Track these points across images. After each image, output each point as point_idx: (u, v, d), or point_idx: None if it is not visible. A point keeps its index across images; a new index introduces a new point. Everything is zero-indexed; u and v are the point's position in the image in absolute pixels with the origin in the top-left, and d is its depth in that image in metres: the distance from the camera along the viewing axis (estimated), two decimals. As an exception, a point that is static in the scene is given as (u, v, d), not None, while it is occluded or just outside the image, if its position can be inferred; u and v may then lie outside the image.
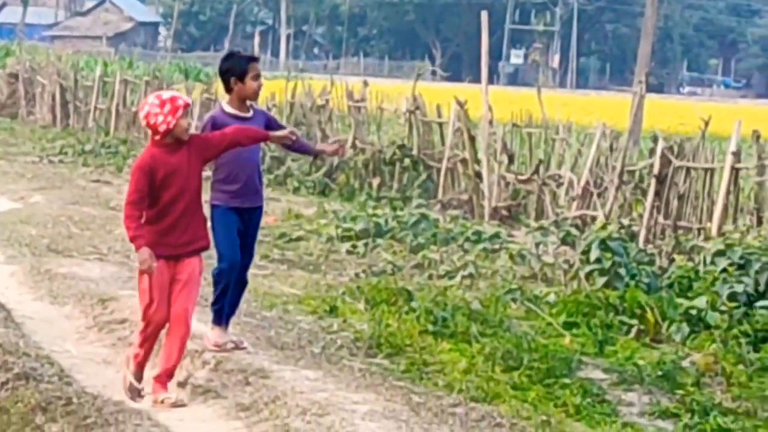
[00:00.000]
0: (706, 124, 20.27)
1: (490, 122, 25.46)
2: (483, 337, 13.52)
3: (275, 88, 35.68)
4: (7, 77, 50.25)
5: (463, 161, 25.18)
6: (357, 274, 17.58)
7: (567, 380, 12.23)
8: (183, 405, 8.98)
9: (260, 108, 10.74)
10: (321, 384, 10.23)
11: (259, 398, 10.09)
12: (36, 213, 23.34)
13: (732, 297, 15.13)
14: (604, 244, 17.06)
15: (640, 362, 13.40)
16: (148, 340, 8.81)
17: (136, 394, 8.87)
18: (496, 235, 21.53)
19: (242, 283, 10.52)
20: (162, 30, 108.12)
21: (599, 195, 22.07)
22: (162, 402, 8.91)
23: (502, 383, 11.90)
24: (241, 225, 9.89)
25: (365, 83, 32.04)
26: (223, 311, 10.23)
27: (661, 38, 75.42)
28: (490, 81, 30.17)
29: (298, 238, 21.71)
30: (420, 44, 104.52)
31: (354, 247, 20.34)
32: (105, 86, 42.97)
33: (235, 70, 9.63)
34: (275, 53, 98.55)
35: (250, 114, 9.69)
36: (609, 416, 11.57)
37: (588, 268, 16.86)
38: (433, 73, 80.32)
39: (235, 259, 9.95)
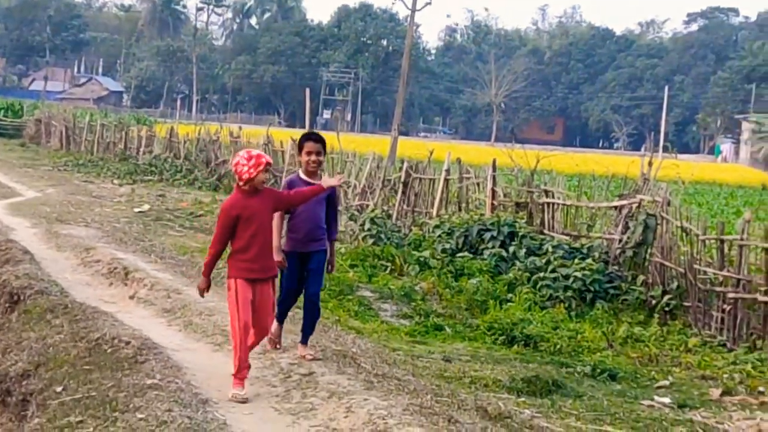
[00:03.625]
0: (431, 153, 21.58)
1: (311, 151, 27.51)
2: (303, 273, 14.60)
3: (189, 129, 37.77)
4: (35, 121, 53.41)
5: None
6: (234, 236, 18.49)
7: (350, 296, 13.36)
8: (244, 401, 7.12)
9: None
10: (211, 297, 10.01)
11: (175, 305, 10.82)
12: (49, 199, 24.03)
13: (443, 251, 16.30)
14: (373, 220, 18.38)
15: (392, 287, 14.49)
16: (242, 343, 7.20)
17: (242, 398, 7.12)
18: (310, 216, 23.26)
19: (315, 309, 8.25)
20: (125, 96, 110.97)
21: (371, 193, 23.06)
22: (233, 396, 7.21)
23: (313, 299, 13.14)
24: (304, 264, 7.96)
25: (240, 128, 34.30)
26: (282, 322, 8.32)
27: (408, 104, 78.66)
28: (311, 128, 32.80)
29: (200, 215, 22.35)
30: (272, 106, 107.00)
31: (232, 219, 22.37)
32: (91, 128, 44.30)
33: (299, 145, 7.87)
34: (190, 110, 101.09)
35: (317, 180, 7.76)
36: (373, 317, 12.82)
37: (363, 234, 18.03)
38: (279, 123, 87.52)
39: (290, 288, 8.08)
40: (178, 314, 10.53)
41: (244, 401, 7.00)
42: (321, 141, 7.67)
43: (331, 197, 7.63)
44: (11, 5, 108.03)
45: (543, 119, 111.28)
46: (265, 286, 7.17)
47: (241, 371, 7.07)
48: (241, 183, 7.02)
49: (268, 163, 7.06)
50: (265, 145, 29.12)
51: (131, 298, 11.62)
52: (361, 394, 7.33)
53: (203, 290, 7.42)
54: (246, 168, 6.92)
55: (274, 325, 8.19)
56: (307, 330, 8.09)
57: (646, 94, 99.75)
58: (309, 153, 7.52)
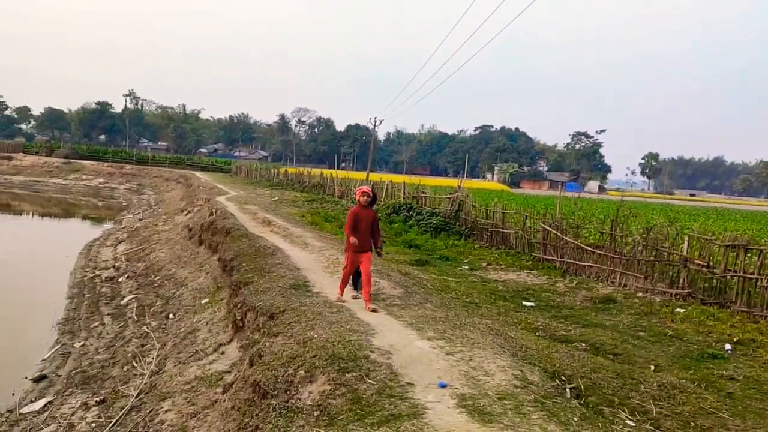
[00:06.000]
0: (380, 178, 24.74)
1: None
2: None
3: (293, 170, 48.63)
4: (235, 167, 59.65)
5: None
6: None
7: None
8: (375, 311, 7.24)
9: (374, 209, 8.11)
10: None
11: (287, 234, 13.32)
12: (239, 195, 27.26)
13: (387, 213, 19.41)
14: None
15: None
16: (344, 282, 7.72)
17: (340, 301, 7.61)
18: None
19: (369, 274, 7.66)
20: (269, 158, 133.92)
21: None
22: (337, 298, 7.71)
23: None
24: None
25: (309, 170, 42.43)
26: (346, 284, 8.04)
27: (373, 162, 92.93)
28: (338, 168, 37.92)
29: (297, 201, 25.58)
30: (323, 161, 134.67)
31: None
32: (257, 168, 53.04)
33: (372, 193, 7.78)
34: (293, 163, 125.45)
35: (373, 209, 7.79)
36: None
37: None
38: (325, 167, 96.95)
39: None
40: (287, 237, 13.13)
41: (342, 301, 7.50)
42: (374, 193, 8.03)
43: (375, 224, 7.66)
44: (224, 126, 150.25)
45: (423, 166, 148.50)
46: (365, 254, 7.47)
47: (342, 289, 7.75)
48: (358, 202, 7.57)
49: (362, 192, 7.59)
50: (321, 176, 34.91)
51: (271, 231, 14.33)
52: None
53: (354, 242, 7.49)
54: (357, 195, 7.64)
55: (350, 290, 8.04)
56: (356, 283, 8.11)
57: (460, 157, 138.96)
58: (361, 194, 7.65)
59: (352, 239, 7.24)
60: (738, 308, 9.59)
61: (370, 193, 7.58)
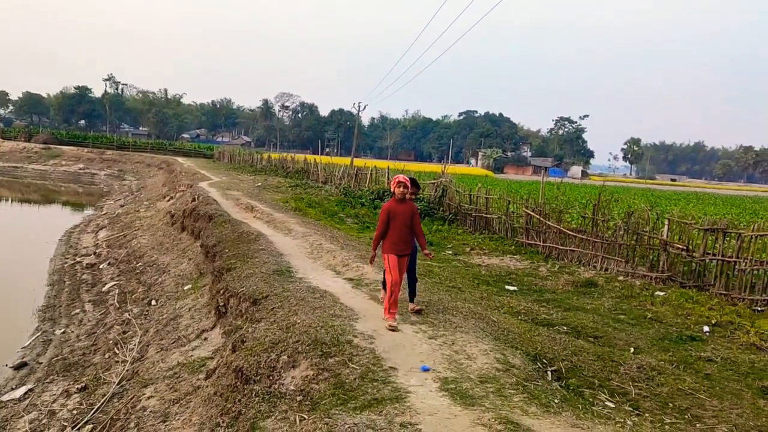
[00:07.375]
0: (364, 164, 26.27)
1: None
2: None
3: (276, 155, 46.89)
4: (218, 152, 59.03)
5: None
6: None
7: (335, 217, 15.07)
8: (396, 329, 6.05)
9: (413, 201, 7.04)
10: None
11: (270, 219, 13.40)
12: (222, 181, 27.09)
13: (370, 199, 19.59)
14: (344, 188, 21.18)
15: (350, 212, 16.53)
16: (393, 292, 6.21)
17: (393, 327, 6.09)
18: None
19: (414, 278, 7.05)
20: (252, 143, 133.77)
21: (342, 179, 26.73)
22: (388, 326, 6.12)
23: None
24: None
25: (293, 155, 44.05)
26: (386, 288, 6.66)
27: (357, 148, 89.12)
28: (321, 153, 37.46)
29: (280, 187, 24.92)
30: (306, 147, 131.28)
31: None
32: (240, 154, 51.89)
33: (412, 183, 6.78)
34: (276, 148, 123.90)
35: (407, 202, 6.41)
36: (342, 224, 14.69)
37: (340, 193, 20.71)
38: (309, 153, 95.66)
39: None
40: (271, 223, 13.21)
41: (394, 329, 6.03)
42: (416, 185, 7.00)
43: (415, 219, 6.51)
44: (207, 111, 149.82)
45: (407, 152, 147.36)
46: (403, 258, 6.37)
47: (391, 310, 6.22)
48: (393, 194, 6.48)
49: (398, 182, 6.39)
50: (304, 161, 34.52)
51: (254, 217, 14.41)
52: (340, 251, 9.81)
53: (372, 259, 6.64)
54: (392, 186, 6.48)
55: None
56: (413, 292, 7.06)
57: (444, 143, 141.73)
58: (397, 185, 6.41)
59: (372, 257, 6.39)
60: (716, 291, 9.74)
61: (408, 184, 6.40)
